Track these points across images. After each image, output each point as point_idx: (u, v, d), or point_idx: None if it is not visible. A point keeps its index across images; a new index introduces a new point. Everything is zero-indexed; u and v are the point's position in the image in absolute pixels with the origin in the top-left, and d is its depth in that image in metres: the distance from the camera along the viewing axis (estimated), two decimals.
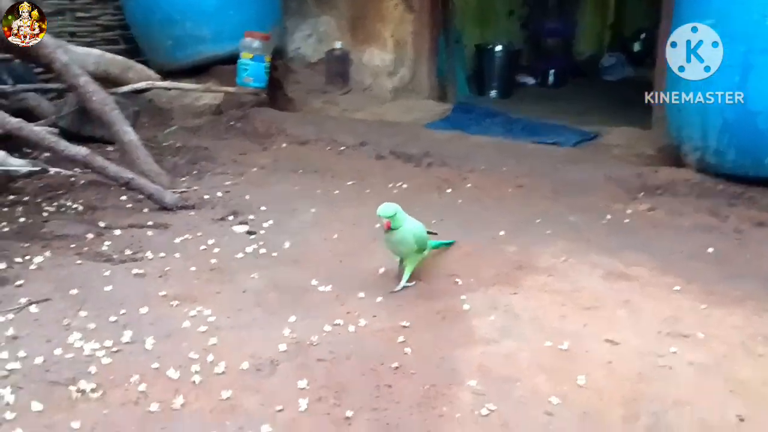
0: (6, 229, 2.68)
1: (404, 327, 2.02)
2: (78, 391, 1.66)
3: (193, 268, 2.41)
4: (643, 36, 8.14)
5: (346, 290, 2.27)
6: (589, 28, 8.28)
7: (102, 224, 2.78)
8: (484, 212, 3.10)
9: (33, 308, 2.07)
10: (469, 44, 6.73)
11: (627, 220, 3.06)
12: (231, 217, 2.92)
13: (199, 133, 4.42)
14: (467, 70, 6.63)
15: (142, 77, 3.99)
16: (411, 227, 2.25)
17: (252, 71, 4.60)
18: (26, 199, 3.01)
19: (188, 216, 2.93)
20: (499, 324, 2.05)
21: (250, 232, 2.76)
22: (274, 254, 2.56)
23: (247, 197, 3.19)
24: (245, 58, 4.58)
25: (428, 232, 2.35)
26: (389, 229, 2.19)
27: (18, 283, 2.24)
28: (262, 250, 2.59)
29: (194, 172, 3.59)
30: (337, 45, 5.15)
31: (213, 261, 2.48)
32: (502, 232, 2.80)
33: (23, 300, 2.11)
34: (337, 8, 5.11)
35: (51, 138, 2.65)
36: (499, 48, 6.68)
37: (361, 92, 5.28)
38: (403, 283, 2.26)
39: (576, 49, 7.99)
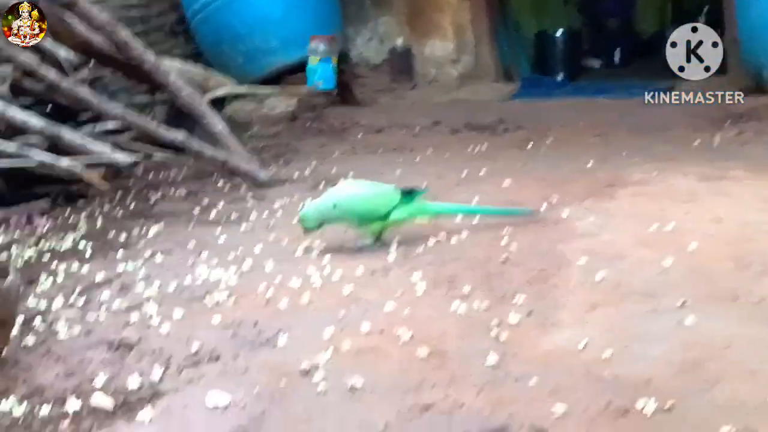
0: (120, 213, 2.91)
1: (505, 235, 2.08)
2: (213, 301, 1.79)
3: (296, 221, 2.55)
4: (706, 9, 8.00)
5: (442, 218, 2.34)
6: (650, 5, 8.18)
7: (205, 202, 2.97)
8: (568, 154, 3.12)
9: (158, 258, 2.24)
10: (528, 33, 6.76)
11: (716, 144, 3.02)
12: (323, 184, 3.06)
13: (279, 136, 4.64)
14: (530, 59, 6.66)
15: (221, 84, 4.25)
16: (330, 205, 2.08)
17: (321, 74, 4.80)
18: (133, 192, 3.24)
19: (282, 189, 3.09)
20: (599, 223, 2.09)
21: None
22: None
23: (334, 170, 3.33)
24: (313, 62, 4.79)
25: (408, 192, 2.11)
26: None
27: (140, 245, 2.43)
28: None
29: (280, 162, 3.76)
30: (399, 42, 5.31)
31: None
32: (589, 164, 2.82)
33: (148, 253, 2.29)
34: (395, 7, 5.29)
35: (152, 124, 2.87)
36: (559, 33, 6.70)
37: (427, 85, 5.39)
38: (365, 241, 2.12)
39: (639, 28, 7.90)
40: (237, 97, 4.95)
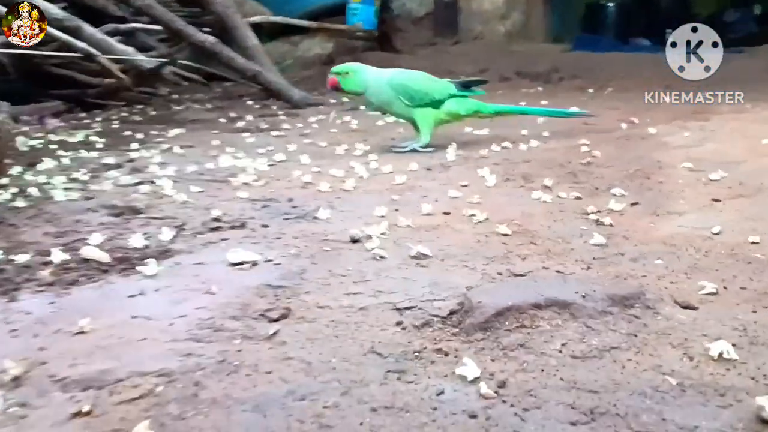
0: (140, 119, 2.63)
1: (584, 144, 1.77)
2: (239, 182, 1.50)
3: (335, 130, 2.26)
4: None
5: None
6: None
7: (233, 115, 2.68)
8: (638, 96, 2.79)
9: (177, 149, 1.96)
10: (579, 5, 6.42)
11: None
12: (362, 107, 2.77)
13: (313, 78, 4.35)
14: (578, 29, 6.31)
15: (257, 12, 3.96)
16: (385, 80, 1.81)
17: (362, 15, 4.50)
18: (154, 104, 2.98)
19: (317, 109, 2.81)
20: (697, 138, 1.77)
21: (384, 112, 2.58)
22: None
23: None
24: (354, 2, 4.49)
25: (465, 86, 1.87)
26: (333, 88, 1.85)
27: (158, 140, 2.15)
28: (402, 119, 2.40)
29: (315, 93, 3.48)
30: None
31: (353, 126, 2.32)
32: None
33: (165, 146, 2.01)
34: None
35: (179, 21, 2.58)
36: (611, 5, 6.34)
37: (472, 41, 5.06)
38: (413, 144, 1.84)
39: (694, 9, 7.49)
40: (271, 38, 4.68)
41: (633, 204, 1.21)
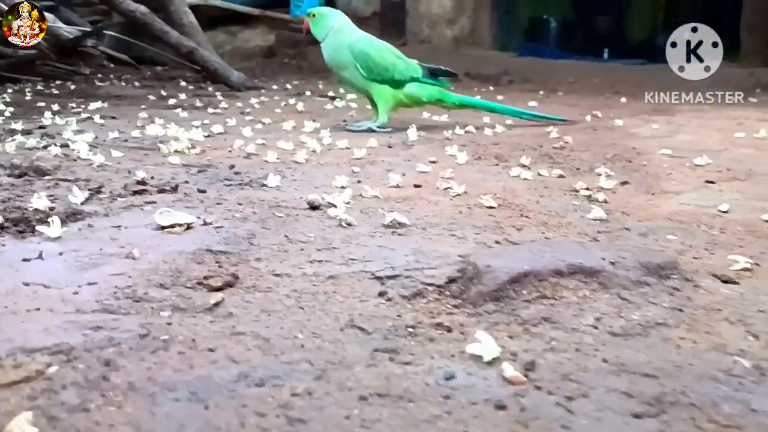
0: (57, 92, 2.36)
1: (551, 132, 1.65)
2: (169, 149, 1.29)
3: (278, 110, 2.07)
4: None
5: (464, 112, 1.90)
6: (643, 9, 7.99)
7: (164, 93, 2.45)
8: (591, 98, 2.73)
9: (97, 119, 1.72)
10: (522, 16, 6.47)
11: (754, 100, 2.67)
12: (308, 93, 2.59)
13: (254, 71, 4.13)
14: (521, 41, 6.34)
15: None
16: (348, 40, 1.66)
17: (306, 7, 4.32)
18: (77, 78, 2.70)
19: (258, 93, 2.60)
20: (666, 129, 1.69)
21: (333, 98, 2.42)
22: (368, 107, 2.21)
23: (321, 85, 2.87)
24: None
25: (432, 73, 1.74)
26: (308, 32, 1.75)
27: (77, 110, 1.91)
28: (353, 104, 2.24)
29: (256, 81, 3.27)
30: None
31: (300, 109, 2.13)
32: (623, 100, 2.43)
33: (84, 115, 1.78)
34: None
35: None
36: (553, 21, 6.42)
37: (419, 44, 4.97)
38: (369, 123, 1.68)
39: (629, 32, 7.68)
40: (208, 27, 4.44)
41: (623, 183, 1.09)
